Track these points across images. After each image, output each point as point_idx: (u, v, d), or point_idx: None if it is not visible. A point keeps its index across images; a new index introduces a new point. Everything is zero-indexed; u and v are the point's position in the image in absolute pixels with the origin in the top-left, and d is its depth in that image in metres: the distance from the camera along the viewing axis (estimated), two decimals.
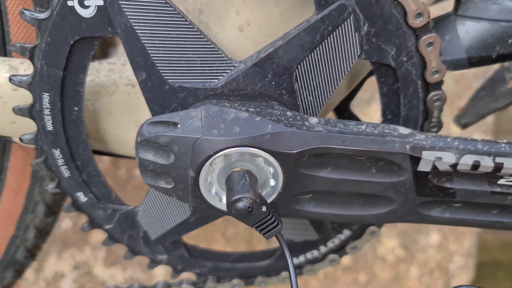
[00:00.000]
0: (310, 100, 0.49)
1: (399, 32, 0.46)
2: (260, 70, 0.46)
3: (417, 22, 0.46)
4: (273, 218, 0.45)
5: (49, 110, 0.49)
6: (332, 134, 0.45)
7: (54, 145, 0.51)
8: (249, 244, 1.06)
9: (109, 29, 0.45)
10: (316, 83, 0.48)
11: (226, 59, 0.47)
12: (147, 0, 0.44)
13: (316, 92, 0.48)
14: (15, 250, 0.70)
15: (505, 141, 0.47)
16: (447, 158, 0.46)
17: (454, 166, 0.46)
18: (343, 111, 0.65)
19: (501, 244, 1.27)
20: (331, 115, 0.64)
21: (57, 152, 0.51)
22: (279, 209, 0.48)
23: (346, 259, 1.11)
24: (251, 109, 0.46)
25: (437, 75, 0.49)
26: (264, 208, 0.43)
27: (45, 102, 0.48)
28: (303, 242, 0.60)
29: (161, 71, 0.46)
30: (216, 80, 0.47)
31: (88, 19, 0.44)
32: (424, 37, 0.47)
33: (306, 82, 0.47)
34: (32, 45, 0.46)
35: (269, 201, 0.47)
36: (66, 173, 0.52)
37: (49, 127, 0.50)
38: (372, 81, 0.64)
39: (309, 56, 0.46)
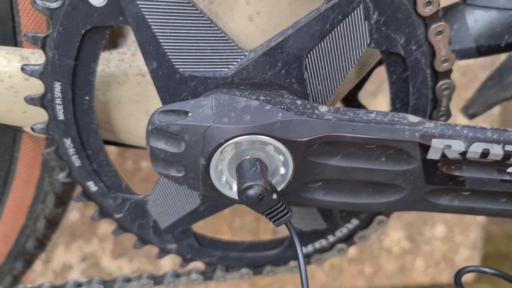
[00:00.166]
0: (320, 89, 0.49)
1: (408, 21, 0.46)
2: (270, 59, 0.47)
3: (426, 11, 0.46)
4: (283, 206, 0.45)
5: (60, 99, 0.49)
6: (342, 122, 0.45)
7: (65, 134, 0.51)
8: (255, 236, 1.06)
9: (121, 18, 0.45)
10: (326, 72, 0.48)
11: (236, 48, 0.47)
12: None
13: (325, 81, 0.48)
14: (25, 240, 0.70)
15: None
16: (457, 146, 0.46)
17: (463, 154, 0.46)
18: (352, 101, 0.65)
19: (506, 236, 1.28)
20: (339, 105, 0.65)
21: (68, 142, 0.52)
22: (289, 197, 0.49)
23: (352, 251, 1.12)
24: (261, 98, 0.46)
25: (446, 64, 0.49)
26: (274, 196, 0.44)
27: (57, 92, 0.49)
28: (311, 232, 0.61)
29: (172, 60, 0.46)
30: (227, 69, 0.47)
31: (100, 8, 0.45)
32: (433, 26, 0.47)
33: (316, 71, 0.48)
34: (44, 35, 0.46)
35: (279, 189, 0.47)
36: (77, 162, 0.53)
37: (61, 116, 0.50)
38: (379, 73, 0.64)
39: (319, 45, 0.46)
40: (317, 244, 0.62)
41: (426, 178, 0.48)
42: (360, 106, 0.66)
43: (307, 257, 0.63)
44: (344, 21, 0.46)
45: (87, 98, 0.50)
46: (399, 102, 0.52)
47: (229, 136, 0.44)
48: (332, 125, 0.45)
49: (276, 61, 0.47)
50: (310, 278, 1.12)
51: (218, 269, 0.63)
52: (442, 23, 0.47)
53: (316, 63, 0.47)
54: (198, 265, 0.64)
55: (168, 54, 0.46)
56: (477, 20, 0.54)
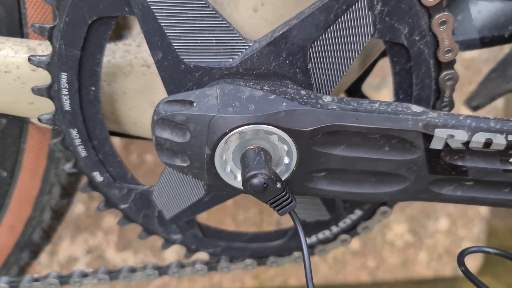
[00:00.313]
0: (324, 79, 0.49)
1: (412, 11, 0.47)
2: (274, 49, 0.47)
3: (430, 1, 0.46)
4: (287, 195, 0.45)
5: (67, 90, 0.49)
6: (345, 112, 0.46)
7: (71, 125, 0.52)
8: (259, 229, 1.07)
9: (126, 9, 0.46)
10: (329, 62, 0.48)
11: (241, 38, 0.47)
12: None
13: (329, 71, 0.49)
14: (32, 231, 0.71)
15: None
16: (460, 136, 0.46)
17: (467, 144, 0.47)
18: (355, 92, 0.65)
19: (510, 230, 1.28)
20: (342, 96, 0.65)
21: (74, 132, 0.52)
22: (293, 187, 0.49)
23: (355, 244, 1.12)
24: (265, 88, 0.46)
25: (449, 54, 0.49)
26: (278, 185, 0.44)
27: (63, 82, 0.49)
28: (315, 222, 0.61)
29: (177, 51, 0.47)
30: (231, 59, 0.48)
31: None
32: (437, 16, 0.47)
33: (320, 61, 0.48)
34: (51, 26, 0.47)
35: (283, 178, 0.48)
36: (83, 152, 0.53)
37: (67, 107, 0.50)
38: (382, 66, 0.65)
39: (323, 35, 0.47)
40: (320, 235, 0.62)
41: (429, 168, 0.48)
42: (363, 97, 0.66)
43: (311, 247, 0.63)
44: (348, 11, 0.46)
45: (93, 88, 0.50)
46: (403, 93, 0.52)
47: (233, 125, 0.45)
48: (336, 115, 0.46)
49: (281, 52, 0.47)
50: (313, 271, 1.13)
51: (222, 259, 0.64)
52: (445, 13, 0.47)
53: (320, 53, 0.47)
54: (203, 255, 0.65)
55: (174, 44, 0.47)
56: (481, 11, 0.54)
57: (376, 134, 0.47)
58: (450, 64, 0.50)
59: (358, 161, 0.48)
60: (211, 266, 0.65)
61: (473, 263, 1.16)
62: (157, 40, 0.46)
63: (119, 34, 0.62)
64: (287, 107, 0.45)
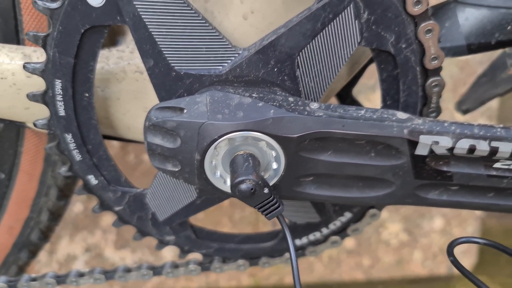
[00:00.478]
0: (312, 86, 0.50)
1: (398, 20, 0.48)
2: (263, 57, 0.48)
3: (416, 10, 0.47)
4: (275, 199, 0.47)
5: (61, 96, 0.51)
6: (332, 119, 0.47)
7: (66, 130, 0.53)
8: (255, 228, 1.08)
9: (118, 18, 0.47)
10: (317, 69, 0.49)
11: (230, 46, 0.48)
12: None
13: (317, 78, 0.50)
14: (30, 231, 0.72)
15: (501, 125, 0.48)
16: (444, 142, 0.47)
17: (451, 150, 0.48)
18: (345, 97, 0.66)
19: (504, 230, 1.29)
20: (333, 101, 0.66)
21: (69, 137, 0.53)
22: (281, 191, 0.50)
23: (350, 243, 1.13)
24: (254, 95, 0.47)
25: (435, 62, 0.50)
26: (266, 190, 0.45)
27: (58, 89, 0.50)
28: (305, 224, 0.62)
29: (168, 58, 0.48)
30: (221, 67, 0.49)
31: (98, 8, 0.46)
32: (423, 24, 0.48)
33: (307, 69, 0.49)
34: (44, 34, 0.48)
35: (271, 183, 0.49)
36: (77, 157, 0.55)
37: (61, 112, 0.52)
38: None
39: (311, 43, 0.48)
40: (311, 237, 0.63)
41: (415, 173, 0.49)
42: (354, 102, 0.67)
43: (302, 249, 0.65)
44: (335, 20, 0.47)
45: (87, 95, 0.52)
46: (390, 99, 0.53)
47: (222, 132, 0.46)
48: (322, 122, 0.47)
49: (269, 59, 0.48)
50: (308, 270, 1.14)
51: (215, 260, 0.65)
52: (431, 21, 0.48)
53: (308, 61, 0.48)
54: (196, 256, 0.66)
55: (164, 52, 0.48)
56: (468, 18, 0.55)
57: (362, 140, 0.48)
58: (437, 71, 0.51)
59: (345, 167, 0.49)
60: (204, 266, 0.66)
61: (467, 261, 1.18)
62: (148, 48, 0.48)
63: (113, 39, 0.63)
64: (274, 114, 0.46)
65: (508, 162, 0.49)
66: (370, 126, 0.47)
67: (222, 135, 0.46)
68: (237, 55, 0.48)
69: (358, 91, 0.98)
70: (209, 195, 0.57)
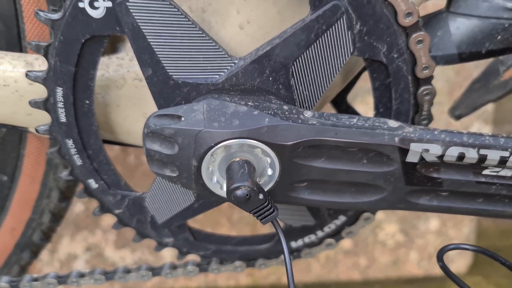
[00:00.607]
0: (306, 94, 0.51)
1: (390, 31, 0.49)
2: (258, 67, 0.49)
3: (407, 21, 0.48)
4: (269, 205, 0.48)
5: (62, 103, 0.52)
6: (325, 127, 0.48)
7: (67, 135, 0.54)
8: (253, 229, 1.09)
9: (117, 28, 0.48)
10: (311, 78, 0.51)
11: (226, 56, 0.50)
12: (152, 2, 0.47)
13: (311, 87, 0.51)
14: (32, 232, 0.74)
15: (489, 133, 0.50)
16: (434, 150, 0.49)
17: (441, 157, 0.49)
18: (340, 103, 0.68)
19: (500, 231, 1.30)
20: (328, 107, 0.67)
21: (70, 142, 0.55)
22: (276, 196, 0.52)
23: (347, 244, 1.15)
24: (250, 103, 0.49)
25: (426, 71, 0.52)
26: (261, 196, 0.47)
27: (59, 96, 0.52)
28: (301, 227, 0.64)
29: (166, 68, 0.49)
30: (217, 76, 0.50)
31: (98, 19, 0.48)
32: (414, 35, 0.49)
33: (301, 78, 0.50)
34: (46, 43, 0.49)
35: (266, 189, 0.50)
36: (78, 161, 0.56)
37: (63, 119, 0.53)
38: None
39: (305, 53, 0.49)
40: (306, 239, 0.65)
41: (406, 180, 0.51)
42: (348, 108, 0.68)
43: (297, 251, 0.66)
44: (328, 31, 0.48)
45: (87, 101, 0.53)
46: (383, 107, 0.54)
47: (219, 139, 0.47)
48: (316, 130, 0.48)
49: (264, 69, 0.50)
50: (306, 270, 1.16)
51: (213, 261, 0.67)
52: (422, 32, 0.49)
53: (302, 70, 0.50)
54: (195, 257, 0.68)
55: (162, 62, 0.49)
56: (459, 27, 0.56)
57: (355, 147, 0.49)
58: (428, 80, 0.53)
59: (337, 173, 0.50)
60: (202, 267, 0.68)
61: (463, 262, 1.19)
62: (147, 57, 0.49)
63: (113, 46, 0.65)
64: (269, 122, 0.47)
65: (496, 169, 0.50)
66: (362, 134, 0.48)
67: (219, 142, 0.47)
68: (233, 64, 0.50)
69: (355, 94, 1.00)
70: (206, 199, 0.58)
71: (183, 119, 0.48)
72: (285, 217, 0.62)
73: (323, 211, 0.62)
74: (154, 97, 0.51)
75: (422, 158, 0.49)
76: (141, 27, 0.48)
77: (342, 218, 0.63)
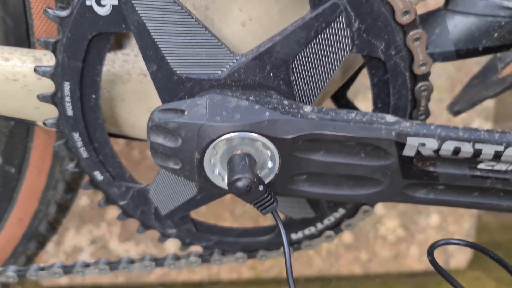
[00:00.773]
0: (306, 90, 0.53)
1: (387, 28, 0.50)
2: (259, 63, 0.51)
3: (404, 19, 0.50)
4: (269, 196, 0.50)
5: (69, 97, 0.54)
6: (324, 121, 0.50)
7: (73, 129, 0.56)
8: (255, 223, 1.11)
9: (123, 25, 0.50)
10: (311, 74, 0.52)
11: (229, 52, 0.51)
12: (157, 0, 0.48)
13: (311, 83, 0.52)
14: (38, 223, 0.76)
15: (484, 128, 0.51)
16: (430, 144, 0.50)
17: (437, 151, 0.50)
18: (340, 99, 0.69)
19: (500, 225, 1.31)
20: (329, 102, 0.69)
21: (76, 135, 0.57)
22: (276, 188, 0.53)
23: (348, 238, 1.16)
24: (251, 98, 0.50)
25: (424, 67, 0.53)
26: (261, 187, 0.48)
27: (66, 90, 0.53)
28: (301, 219, 0.65)
29: (170, 64, 0.51)
30: (220, 72, 0.52)
31: (105, 17, 0.49)
32: (411, 33, 0.51)
33: (301, 74, 0.52)
34: (54, 40, 0.51)
35: (267, 181, 0.52)
36: (84, 154, 0.58)
37: (69, 112, 0.55)
38: None
39: (304, 50, 0.50)
40: (306, 231, 0.66)
41: (402, 173, 0.52)
42: (348, 103, 0.69)
43: (297, 242, 0.68)
44: (327, 29, 0.50)
45: (94, 96, 0.55)
46: (381, 102, 0.55)
47: (220, 133, 0.49)
48: (315, 124, 0.49)
49: (265, 65, 0.51)
50: (307, 263, 1.17)
51: (215, 252, 0.69)
52: (419, 30, 0.51)
53: (302, 66, 0.51)
54: (197, 248, 0.69)
55: (167, 58, 0.51)
56: (457, 25, 0.57)
57: (353, 141, 0.50)
58: (425, 76, 0.54)
59: (336, 166, 0.52)
60: (204, 258, 0.69)
61: (463, 257, 1.20)
62: (151, 54, 0.50)
63: (119, 42, 0.66)
64: (270, 117, 0.49)
65: (491, 163, 0.52)
66: (359, 128, 0.50)
67: (220, 135, 0.49)
68: (235, 60, 0.51)
69: (357, 91, 1.01)
70: (209, 191, 0.60)
71: (186, 113, 0.50)
72: (285, 210, 0.64)
73: (322, 203, 0.64)
74: (159, 92, 0.53)
75: (418, 152, 0.51)
76: (146, 24, 0.49)
77: (341, 211, 0.65)
